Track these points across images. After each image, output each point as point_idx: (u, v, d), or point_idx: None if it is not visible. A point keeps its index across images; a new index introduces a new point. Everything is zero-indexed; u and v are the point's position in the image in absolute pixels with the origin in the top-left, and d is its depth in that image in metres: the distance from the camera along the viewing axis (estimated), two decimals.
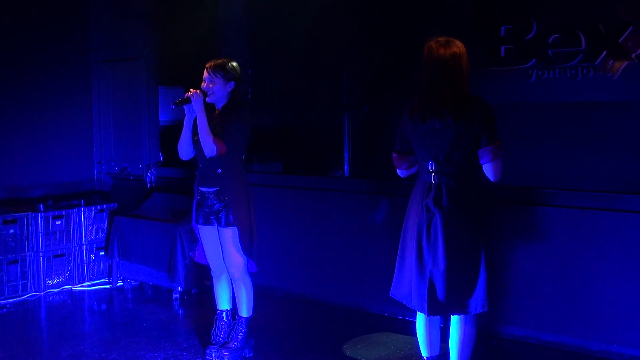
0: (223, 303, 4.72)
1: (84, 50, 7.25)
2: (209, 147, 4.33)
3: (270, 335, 5.07)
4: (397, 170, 3.95)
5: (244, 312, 4.62)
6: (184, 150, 4.54)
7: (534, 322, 4.86)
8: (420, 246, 3.70)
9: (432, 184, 3.69)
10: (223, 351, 4.57)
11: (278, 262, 6.05)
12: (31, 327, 5.60)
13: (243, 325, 4.63)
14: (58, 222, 6.38)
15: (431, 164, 3.69)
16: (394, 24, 7.39)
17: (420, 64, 3.70)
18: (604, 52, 6.43)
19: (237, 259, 4.51)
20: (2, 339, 5.17)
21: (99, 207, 6.67)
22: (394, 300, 3.91)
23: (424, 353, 3.89)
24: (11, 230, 6.12)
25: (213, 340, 4.70)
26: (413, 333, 4.03)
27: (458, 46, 3.64)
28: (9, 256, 6.11)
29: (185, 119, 4.46)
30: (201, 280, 6.13)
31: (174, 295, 6.03)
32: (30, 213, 6.24)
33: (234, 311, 4.72)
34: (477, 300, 3.69)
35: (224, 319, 4.72)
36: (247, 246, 4.49)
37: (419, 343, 3.91)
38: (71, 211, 6.47)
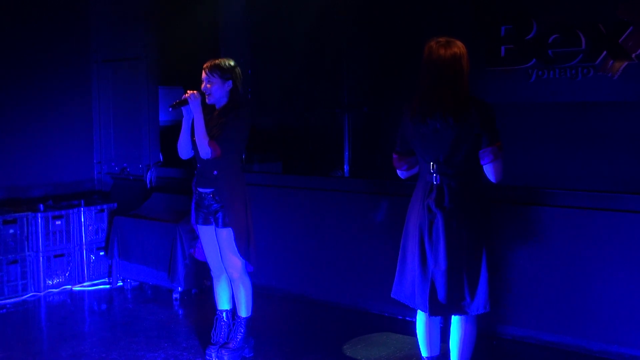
0: (223, 303, 4.72)
1: (84, 50, 7.25)
2: (204, 149, 4.33)
3: (270, 335, 5.07)
4: (398, 171, 3.94)
5: (243, 312, 4.62)
6: (183, 150, 4.54)
7: (534, 322, 4.86)
8: (422, 247, 3.70)
9: (434, 185, 3.69)
10: (223, 351, 4.57)
11: (278, 262, 6.05)
12: (31, 327, 5.60)
13: (242, 326, 4.63)
14: (58, 222, 6.38)
15: (432, 165, 3.68)
16: (394, 24, 7.40)
17: (420, 64, 3.70)
18: (604, 52, 6.44)
19: (234, 259, 4.51)
20: (2, 339, 5.17)
21: (99, 207, 6.67)
22: (394, 300, 3.91)
23: (424, 353, 3.89)
24: (11, 230, 6.12)
25: (213, 341, 4.70)
26: (413, 333, 4.03)
27: (459, 46, 3.64)
28: (9, 256, 6.11)
29: (183, 119, 4.45)
30: (201, 281, 6.13)
31: (174, 296, 6.03)
32: (30, 213, 6.24)
33: (234, 311, 4.72)
34: (479, 301, 3.69)
35: (224, 319, 4.72)
36: (244, 247, 4.48)
37: (419, 343, 3.91)
38: (71, 211, 6.47)
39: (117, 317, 5.85)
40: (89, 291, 6.43)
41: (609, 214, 4.61)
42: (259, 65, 7.32)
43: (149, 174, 6.97)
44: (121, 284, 6.50)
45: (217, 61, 4.43)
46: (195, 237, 5.44)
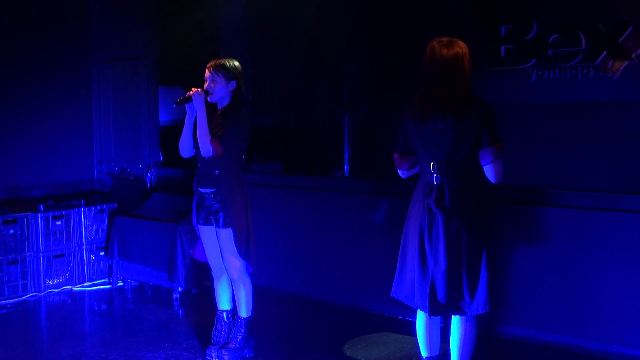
0: (223, 303, 4.72)
1: (83, 50, 7.24)
2: (206, 147, 4.33)
3: (270, 335, 5.07)
4: (398, 171, 3.94)
5: (244, 312, 4.62)
6: (185, 148, 4.54)
7: (534, 322, 4.86)
8: (422, 247, 3.70)
9: (434, 185, 3.69)
10: (223, 351, 4.57)
11: (278, 263, 6.05)
12: (31, 328, 5.60)
13: (242, 326, 4.63)
14: (58, 222, 6.38)
15: (433, 165, 3.68)
16: (394, 24, 7.40)
17: (420, 64, 3.70)
18: (604, 52, 6.44)
19: (234, 260, 4.51)
20: (2, 339, 5.17)
21: (99, 207, 6.67)
22: (394, 300, 3.91)
23: (424, 353, 3.89)
24: (11, 231, 6.12)
25: (213, 341, 4.70)
26: (413, 333, 4.03)
27: (461, 46, 3.64)
28: (9, 256, 6.11)
29: (186, 117, 4.47)
30: (201, 281, 6.13)
31: (174, 296, 6.03)
32: (30, 213, 6.23)
33: (234, 311, 4.72)
34: (479, 301, 3.69)
35: (224, 319, 4.72)
36: (243, 248, 4.48)
37: (419, 343, 3.91)
38: (71, 211, 6.47)
39: (117, 317, 5.85)
40: (89, 291, 6.43)
41: (609, 214, 4.61)
42: (259, 65, 7.31)
43: (149, 174, 6.97)
44: (121, 284, 6.50)
45: (221, 61, 4.43)
46: (195, 237, 5.44)
